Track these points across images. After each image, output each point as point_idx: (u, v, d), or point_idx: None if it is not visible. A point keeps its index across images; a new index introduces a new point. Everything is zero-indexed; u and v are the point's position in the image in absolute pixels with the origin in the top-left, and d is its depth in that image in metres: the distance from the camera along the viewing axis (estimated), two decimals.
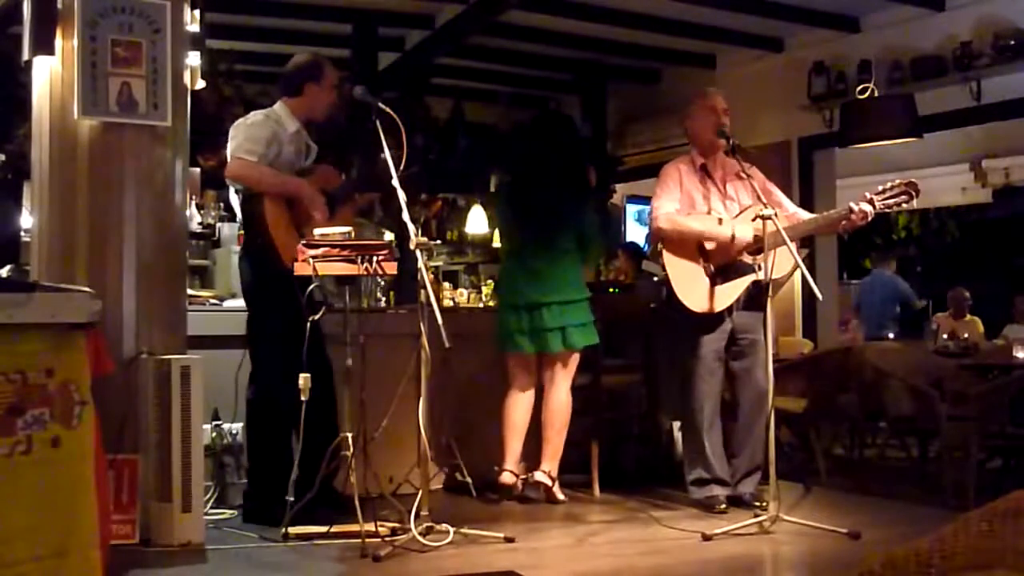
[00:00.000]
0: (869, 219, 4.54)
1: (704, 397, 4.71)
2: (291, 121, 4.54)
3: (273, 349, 4.39)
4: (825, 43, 7.42)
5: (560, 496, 4.98)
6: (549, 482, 4.96)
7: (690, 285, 4.67)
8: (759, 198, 4.45)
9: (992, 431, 5.10)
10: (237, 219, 4.64)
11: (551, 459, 4.99)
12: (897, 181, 4.56)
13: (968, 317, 8.78)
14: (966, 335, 7.44)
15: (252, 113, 4.59)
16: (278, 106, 4.58)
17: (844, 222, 4.62)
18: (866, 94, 6.77)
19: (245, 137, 4.40)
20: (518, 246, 5.21)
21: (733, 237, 4.60)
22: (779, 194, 4.93)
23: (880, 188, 4.56)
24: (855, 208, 4.52)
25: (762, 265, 4.43)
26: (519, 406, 5.06)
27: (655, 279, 5.87)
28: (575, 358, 5.03)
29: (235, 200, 4.58)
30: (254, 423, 4.49)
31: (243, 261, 4.62)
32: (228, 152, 4.46)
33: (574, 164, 5.14)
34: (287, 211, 4.39)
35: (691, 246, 4.70)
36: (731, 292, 4.65)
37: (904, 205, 4.58)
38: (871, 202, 4.52)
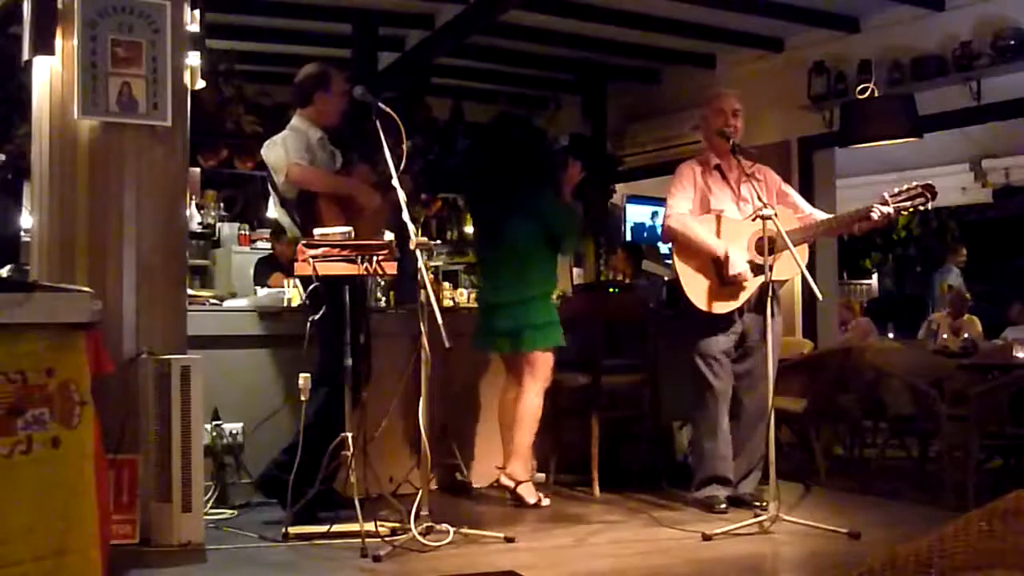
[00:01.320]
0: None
1: (715, 398, 4.70)
2: (313, 130, 4.61)
3: (337, 346, 4.27)
4: (825, 43, 7.41)
5: (529, 499, 4.81)
6: (512, 484, 4.86)
7: (701, 285, 4.66)
8: (760, 198, 4.44)
9: (992, 431, 5.10)
10: (286, 223, 4.67)
11: (512, 461, 4.89)
12: (915, 183, 4.55)
13: (967, 316, 8.79)
14: (967, 334, 7.46)
15: (277, 135, 4.63)
16: (295, 119, 4.65)
17: (861, 223, 4.61)
18: (866, 94, 6.77)
19: (287, 148, 4.48)
20: (479, 246, 5.31)
21: (727, 258, 4.58)
22: (795, 195, 4.93)
23: (896, 190, 4.55)
24: (879, 211, 4.50)
25: (772, 266, 4.41)
26: (503, 406, 5.06)
27: (665, 279, 5.88)
28: (542, 360, 4.90)
29: (275, 206, 4.63)
30: (323, 417, 4.36)
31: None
32: (274, 165, 4.51)
33: (527, 159, 5.01)
34: (340, 212, 4.41)
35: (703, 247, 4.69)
36: (741, 293, 4.64)
37: (921, 207, 4.57)
38: (887, 203, 4.51)
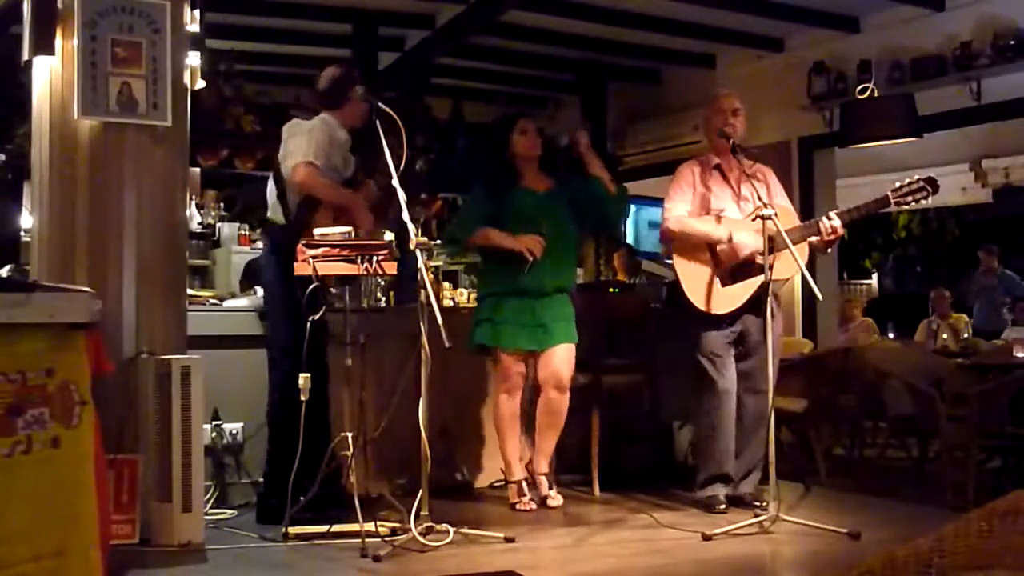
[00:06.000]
0: (840, 234, 4.54)
1: (719, 397, 4.69)
2: (342, 131, 4.55)
3: (299, 353, 4.24)
4: (825, 43, 7.41)
5: (511, 497, 4.84)
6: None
7: (701, 286, 4.66)
8: (759, 198, 4.44)
9: (992, 431, 5.10)
10: (272, 204, 4.58)
11: None
12: (916, 177, 4.53)
13: (953, 316, 8.80)
14: (966, 335, 7.47)
15: (306, 120, 4.54)
16: (326, 117, 4.54)
17: (815, 238, 4.58)
18: (866, 94, 6.77)
19: (310, 141, 4.37)
20: None
21: (730, 239, 4.59)
22: (781, 200, 4.90)
23: (897, 184, 4.52)
24: (824, 224, 4.50)
25: (772, 266, 4.40)
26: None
27: (665, 280, 5.86)
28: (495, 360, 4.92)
29: (271, 192, 4.54)
30: (282, 425, 4.38)
31: (276, 265, 4.50)
32: (288, 154, 4.41)
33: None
34: (333, 222, 4.34)
35: (702, 247, 4.69)
36: (742, 293, 4.64)
37: (923, 200, 4.55)
38: (889, 202, 4.51)
